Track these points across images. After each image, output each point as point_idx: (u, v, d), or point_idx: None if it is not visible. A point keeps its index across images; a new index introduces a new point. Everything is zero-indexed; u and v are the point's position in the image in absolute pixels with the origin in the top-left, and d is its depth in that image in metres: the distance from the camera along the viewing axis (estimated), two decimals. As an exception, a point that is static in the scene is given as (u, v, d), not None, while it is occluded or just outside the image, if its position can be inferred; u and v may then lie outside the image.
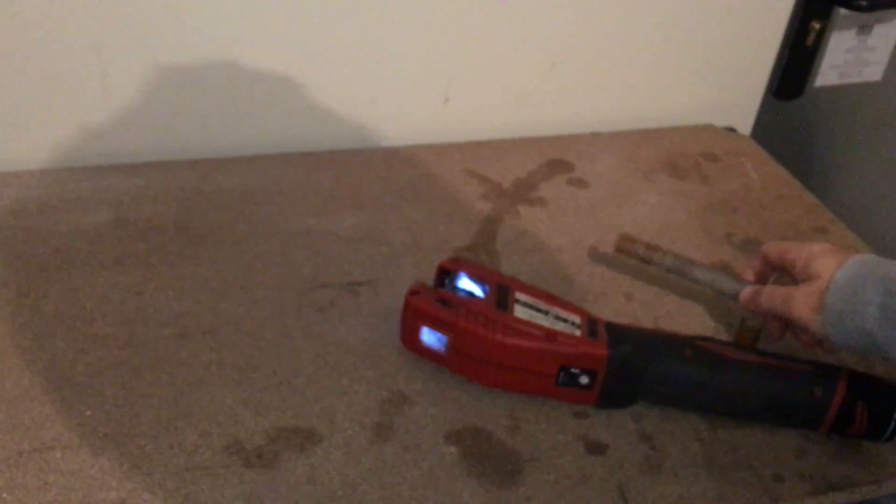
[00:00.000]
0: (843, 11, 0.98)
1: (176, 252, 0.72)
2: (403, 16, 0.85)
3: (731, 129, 1.01)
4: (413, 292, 0.60)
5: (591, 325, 0.61)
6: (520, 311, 0.59)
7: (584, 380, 0.59)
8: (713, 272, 0.68)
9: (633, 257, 0.71)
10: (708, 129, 1.00)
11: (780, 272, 0.65)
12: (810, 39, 0.99)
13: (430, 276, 0.66)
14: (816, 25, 0.98)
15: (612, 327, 0.62)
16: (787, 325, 0.63)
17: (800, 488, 0.57)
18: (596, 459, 0.57)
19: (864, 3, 0.95)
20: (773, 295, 0.61)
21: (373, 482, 0.54)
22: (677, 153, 0.94)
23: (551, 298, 0.63)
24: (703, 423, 0.61)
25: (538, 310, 0.60)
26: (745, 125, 1.03)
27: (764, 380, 0.59)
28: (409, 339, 0.61)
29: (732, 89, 1.01)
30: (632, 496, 0.55)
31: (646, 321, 0.70)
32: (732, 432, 0.60)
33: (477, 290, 0.62)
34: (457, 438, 0.58)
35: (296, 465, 0.55)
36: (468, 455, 0.57)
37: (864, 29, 1.03)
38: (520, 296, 0.61)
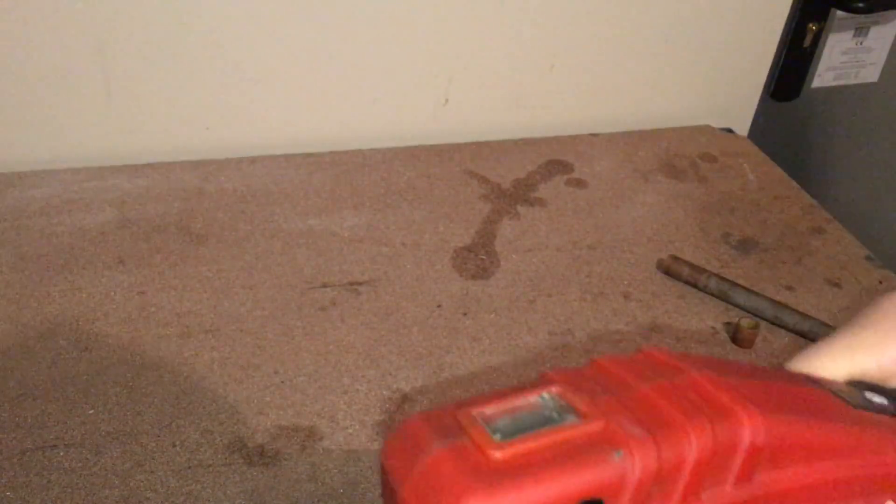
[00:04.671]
0: (839, 13, 0.99)
1: (178, 252, 0.72)
2: (404, 16, 0.85)
3: (729, 130, 1.01)
4: None
5: None
6: None
7: None
8: (754, 298, 0.70)
9: (677, 278, 0.74)
10: (706, 129, 1.00)
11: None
12: (807, 41, 1.00)
13: (430, 276, 0.67)
14: (813, 27, 0.99)
15: None
16: None
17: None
18: (594, 457, 0.58)
19: (860, 4, 0.95)
20: None
21: (373, 480, 0.54)
22: (675, 154, 0.95)
23: None
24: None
25: None
26: (742, 126, 1.04)
27: None
28: None
29: (730, 91, 1.02)
30: (630, 494, 0.55)
31: (643, 320, 0.70)
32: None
33: None
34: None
35: (297, 463, 0.55)
36: (468, 453, 0.57)
37: (861, 31, 1.03)
38: None
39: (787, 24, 0.98)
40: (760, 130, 1.05)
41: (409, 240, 0.77)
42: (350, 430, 0.58)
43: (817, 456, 0.27)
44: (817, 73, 1.05)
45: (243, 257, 0.73)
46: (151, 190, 0.80)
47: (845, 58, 1.05)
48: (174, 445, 0.55)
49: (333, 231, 0.77)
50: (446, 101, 0.92)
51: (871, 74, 1.08)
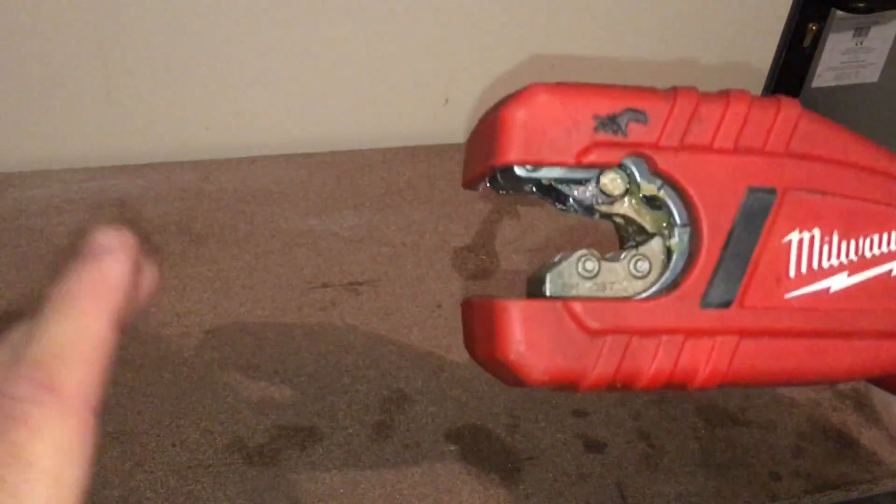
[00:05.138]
0: (839, 13, 0.99)
1: (178, 252, 0.72)
2: (404, 16, 0.85)
3: (729, 130, 1.01)
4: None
5: None
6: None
7: None
8: None
9: None
10: (706, 129, 1.00)
11: None
12: (807, 41, 1.00)
13: (430, 276, 0.67)
14: (813, 27, 0.99)
15: None
16: None
17: (797, 486, 0.57)
18: (595, 457, 0.58)
19: (861, 4, 0.95)
20: None
21: (373, 480, 0.54)
22: (675, 154, 0.95)
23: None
24: (701, 421, 0.61)
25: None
26: (743, 126, 1.04)
27: None
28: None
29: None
30: (630, 494, 0.55)
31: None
32: (730, 430, 0.61)
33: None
34: (457, 437, 0.58)
35: (297, 462, 0.55)
36: (468, 453, 0.57)
37: (861, 31, 1.03)
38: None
39: (787, 24, 0.98)
40: (760, 130, 1.05)
41: (409, 240, 0.77)
42: (350, 430, 0.58)
43: (851, 163, 0.31)
44: (817, 73, 1.05)
45: (243, 257, 0.73)
46: (151, 190, 0.80)
47: (845, 58, 1.05)
48: (174, 445, 0.55)
49: (333, 231, 0.77)
50: (446, 100, 0.92)
51: (871, 74, 1.08)
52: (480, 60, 0.90)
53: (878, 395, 0.39)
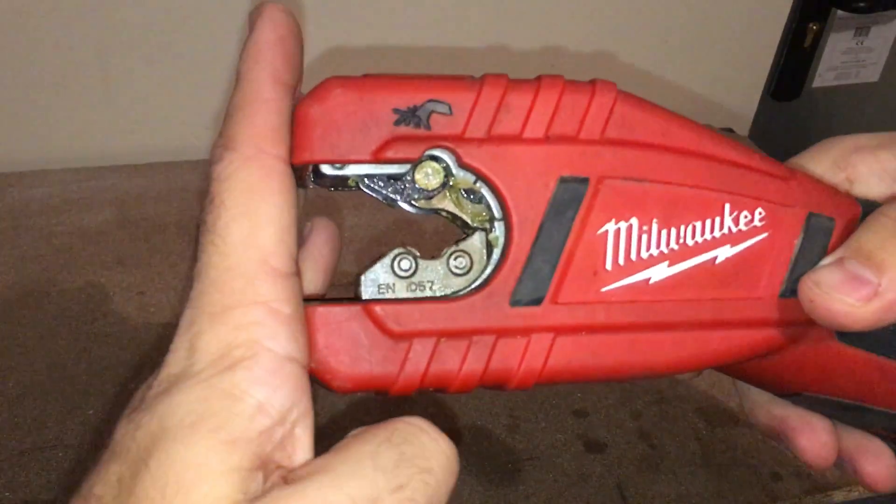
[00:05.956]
0: (840, 13, 0.99)
1: (178, 252, 0.72)
2: (402, 16, 0.85)
3: (729, 130, 1.01)
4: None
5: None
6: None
7: None
8: None
9: None
10: (706, 129, 1.00)
11: None
12: (808, 41, 1.00)
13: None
14: (814, 27, 0.99)
15: None
16: None
17: (797, 486, 0.57)
18: (595, 458, 0.58)
19: (861, 4, 0.95)
20: None
21: (373, 480, 0.54)
22: (676, 154, 0.94)
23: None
24: (701, 421, 0.61)
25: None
26: (742, 126, 1.04)
27: None
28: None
29: (730, 90, 1.02)
30: (630, 494, 0.55)
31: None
32: (730, 430, 0.61)
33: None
34: (457, 437, 0.58)
35: (297, 463, 0.55)
36: (468, 453, 0.57)
37: (862, 30, 1.03)
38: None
39: (787, 24, 0.98)
40: (760, 130, 1.05)
41: (410, 240, 0.76)
42: (350, 430, 0.58)
43: (672, 147, 0.29)
44: (818, 72, 1.05)
45: (243, 257, 0.72)
46: (151, 190, 0.80)
47: (846, 57, 1.05)
48: (174, 445, 0.55)
49: (333, 231, 0.77)
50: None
51: (871, 74, 1.08)
52: (479, 60, 0.90)
53: (738, 383, 0.38)
